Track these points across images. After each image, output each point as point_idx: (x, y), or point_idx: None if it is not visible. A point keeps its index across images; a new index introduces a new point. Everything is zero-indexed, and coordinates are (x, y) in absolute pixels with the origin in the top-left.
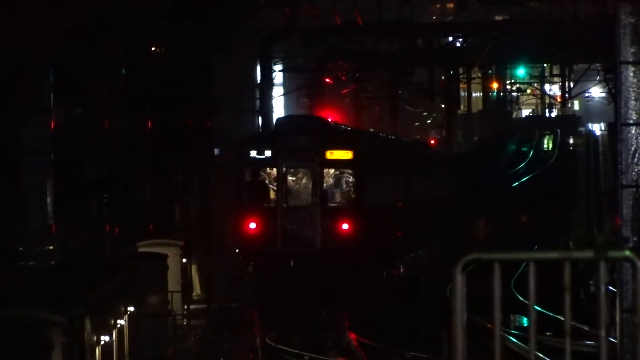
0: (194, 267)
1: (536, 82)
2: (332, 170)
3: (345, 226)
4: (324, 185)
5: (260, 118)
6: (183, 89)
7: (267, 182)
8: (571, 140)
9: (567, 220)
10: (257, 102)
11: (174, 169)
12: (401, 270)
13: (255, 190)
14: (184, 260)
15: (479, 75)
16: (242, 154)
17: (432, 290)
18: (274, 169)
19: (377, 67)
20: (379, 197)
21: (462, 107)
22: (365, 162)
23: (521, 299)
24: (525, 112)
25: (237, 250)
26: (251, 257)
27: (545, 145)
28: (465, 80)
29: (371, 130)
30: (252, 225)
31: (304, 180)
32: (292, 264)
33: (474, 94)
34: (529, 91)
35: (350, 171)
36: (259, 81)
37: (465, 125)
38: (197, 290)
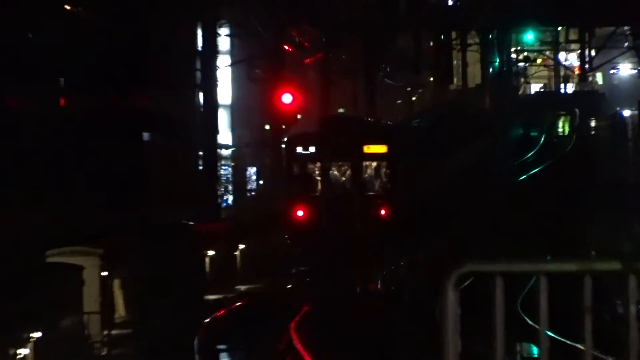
0: (116, 283)
1: (548, 50)
2: (370, 163)
3: (382, 212)
4: (363, 176)
5: (201, 95)
6: (106, 59)
7: (312, 175)
8: (592, 123)
9: (587, 223)
10: (198, 74)
11: (89, 158)
12: (378, 285)
13: (303, 182)
14: (105, 272)
15: (477, 41)
16: (291, 150)
17: (418, 310)
18: (319, 163)
19: (350, 31)
20: (416, 186)
21: (455, 81)
22: (399, 154)
23: (530, 322)
24: (535, 88)
25: (286, 236)
26: (299, 240)
27: (560, 129)
28: (459, 48)
29: (412, 121)
30: (300, 213)
31: (344, 173)
32: (334, 245)
33: (470, 66)
34: (539, 61)
35: (385, 163)
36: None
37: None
38: (120, 311)
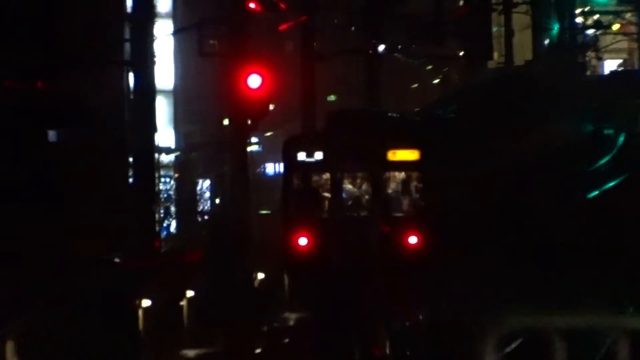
0: (9, 346)
1: (630, 12)
2: (395, 174)
3: (412, 240)
4: (387, 191)
5: (131, 76)
6: None
7: (319, 190)
8: None
9: None
10: (127, 47)
11: None
12: (387, 349)
13: (306, 199)
14: None
15: None
16: (289, 157)
17: None
18: (327, 174)
19: None
20: (459, 203)
21: (495, 56)
22: (436, 161)
23: None
24: (611, 66)
25: (284, 270)
26: (301, 277)
27: None
28: (501, 8)
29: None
30: (303, 241)
31: (362, 187)
32: (348, 285)
33: (517, 34)
34: (616, 28)
35: (417, 174)
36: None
37: None
38: None
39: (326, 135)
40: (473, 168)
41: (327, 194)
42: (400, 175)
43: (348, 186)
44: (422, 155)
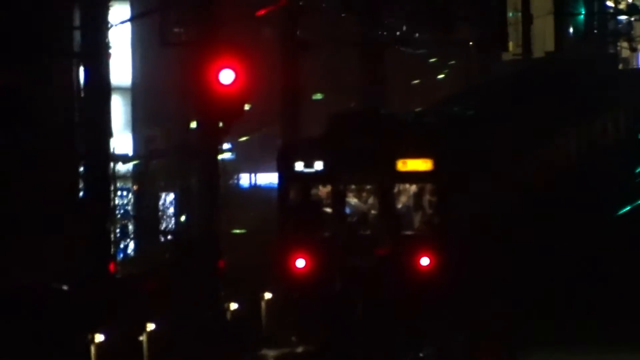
0: None
1: None
2: (407, 186)
3: (425, 261)
4: (396, 206)
5: (81, 71)
6: None
7: (319, 204)
8: None
9: None
10: (77, 36)
11: None
12: None
13: (304, 215)
14: None
15: None
16: (285, 167)
17: None
18: (329, 187)
19: None
20: (481, 220)
21: (511, 46)
22: (453, 172)
23: None
24: None
25: (282, 295)
26: (299, 303)
27: None
28: None
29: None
30: (301, 263)
31: (369, 201)
32: (356, 313)
33: (536, 21)
34: None
35: (431, 186)
36: None
37: None
38: None
39: (327, 142)
40: (503, 177)
41: (328, 210)
42: (412, 187)
43: (352, 200)
44: (437, 164)
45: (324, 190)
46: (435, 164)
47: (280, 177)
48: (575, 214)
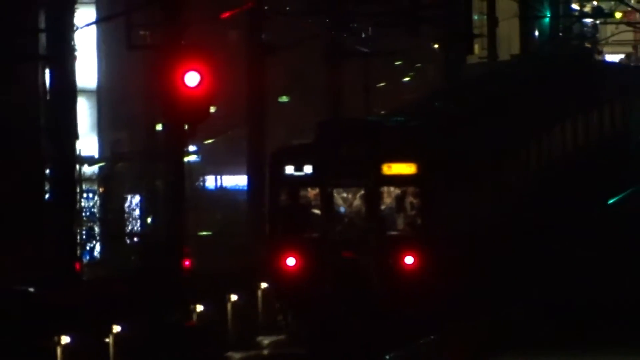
0: None
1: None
2: (392, 189)
3: (409, 260)
4: (382, 208)
5: (48, 72)
6: None
7: (308, 205)
8: None
9: None
10: (43, 38)
11: None
12: None
13: (294, 216)
14: None
15: None
16: (276, 171)
17: None
18: (317, 189)
19: None
20: (464, 218)
21: (476, 49)
22: (438, 175)
23: None
24: (613, 60)
25: (272, 294)
26: (289, 301)
27: None
28: None
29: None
30: (291, 262)
31: (355, 203)
32: (342, 309)
33: (502, 23)
34: (619, 16)
35: (414, 189)
36: None
37: None
38: None
39: (316, 147)
40: (484, 179)
41: (317, 211)
42: (397, 190)
43: (340, 202)
44: (420, 168)
45: (313, 193)
46: (419, 168)
47: (271, 181)
48: (558, 214)
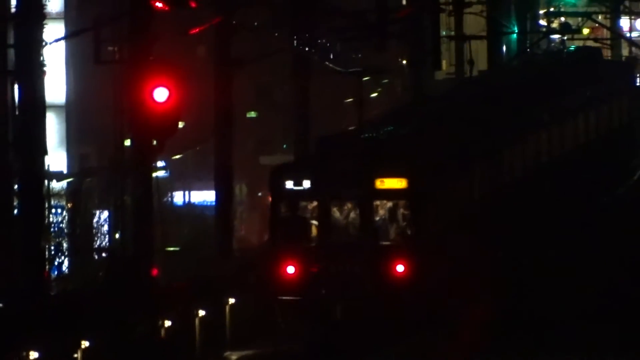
0: None
1: (602, 14)
2: (384, 202)
3: (400, 268)
4: (375, 220)
5: (16, 87)
6: None
7: (307, 217)
8: None
9: None
10: (11, 53)
11: None
12: None
13: (293, 227)
14: None
15: None
16: (276, 185)
17: None
18: (315, 202)
19: None
20: (452, 228)
21: (444, 65)
22: (427, 188)
23: None
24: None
25: (272, 299)
26: (289, 306)
27: None
28: (450, 9)
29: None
30: (290, 269)
31: (350, 215)
32: (338, 313)
33: (470, 39)
34: (586, 32)
35: (405, 202)
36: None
37: None
38: None
39: (313, 162)
40: (472, 191)
41: (314, 222)
42: (389, 203)
43: (336, 214)
44: (410, 183)
45: (311, 206)
46: (409, 183)
47: (272, 194)
48: (545, 223)
